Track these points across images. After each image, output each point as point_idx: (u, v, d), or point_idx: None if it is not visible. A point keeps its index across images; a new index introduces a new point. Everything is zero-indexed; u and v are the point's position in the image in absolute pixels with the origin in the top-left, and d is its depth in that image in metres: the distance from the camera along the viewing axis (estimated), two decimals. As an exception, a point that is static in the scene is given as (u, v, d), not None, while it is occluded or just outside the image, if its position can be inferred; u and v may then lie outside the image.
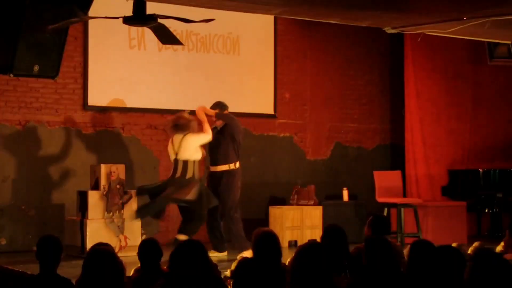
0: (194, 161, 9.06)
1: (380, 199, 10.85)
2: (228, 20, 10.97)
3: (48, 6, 7.22)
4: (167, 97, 10.87)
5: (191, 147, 9.07)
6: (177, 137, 9.11)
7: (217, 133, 9.37)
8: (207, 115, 9.31)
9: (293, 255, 4.49)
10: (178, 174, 9.03)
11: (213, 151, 9.40)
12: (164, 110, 10.87)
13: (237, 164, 9.40)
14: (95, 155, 10.34)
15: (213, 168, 9.42)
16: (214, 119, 9.38)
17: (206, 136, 9.15)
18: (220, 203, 9.28)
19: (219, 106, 9.45)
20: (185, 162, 9.04)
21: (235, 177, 9.39)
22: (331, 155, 12.37)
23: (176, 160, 9.08)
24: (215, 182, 9.35)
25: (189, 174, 9.02)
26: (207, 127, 9.17)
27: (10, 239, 9.86)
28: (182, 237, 8.72)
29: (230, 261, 7.86)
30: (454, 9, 8.54)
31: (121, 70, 10.51)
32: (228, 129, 9.37)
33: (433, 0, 8.27)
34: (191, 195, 8.94)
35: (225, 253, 9.33)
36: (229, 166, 9.36)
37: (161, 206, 9.15)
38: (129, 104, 10.64)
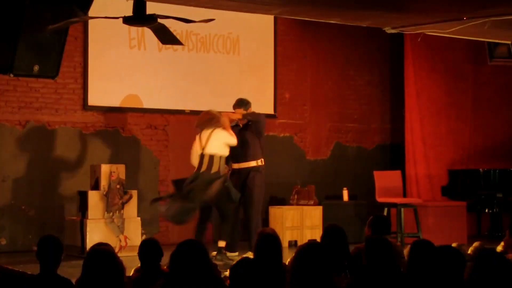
0: (220, 157, 8.91)
1: (380, 199, 10.85)
2: (228, 20, 10.97)
3: (48, 6, 7.22)
4: (167, 97, 10.87)
5: (220, 142, 8.94)
6: (205, 132, 8.97)
7: (240, 130, 9.30)
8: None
9: (293, 255, 4.49)
10: (204, 168, 8.88)
11: (239, 148, 9.20)
12: (164, 110, 10.88)
13: (263, 161, 9.36)
14: (95, 155, 10.34)
15: (239, 165, 9.29)
16: (242, 121, 9.31)
17: (233, 139, 9.02)
18: (248, 199, 9.20)
19: (244, 103, 9.34)
20: (211, 157, 8.88)
21: (261, 173, 9.32)
22: (331, 155, 12.37)
23: (202, 155, 8.90)
24: (242, 178, 9.24)
25: (214, 169, 8.87)
26: (231, 132, 9.06)
27: (10, 239, 9.86)
28: (221, 243, 8.84)
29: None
30: (454, 9, 8.54)
31: (121, 70, 10.52)
32: (253, 126, 9.29)
33: (433, 0, 8.27)
34: (211, 193, 8.84)
35: (237, 253, 9.24)
36: (257, 163, 9.29)
37: (192, 212, 9.03)
38: (129, 104, 10.64)
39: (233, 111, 9.33)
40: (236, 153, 9.22)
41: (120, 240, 9.35)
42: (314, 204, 11.02)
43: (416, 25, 9.46)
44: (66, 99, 10.27)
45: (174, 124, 10.93)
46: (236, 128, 9.32)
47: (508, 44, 11.44)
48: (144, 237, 9.37)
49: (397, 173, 11.40)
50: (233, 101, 11.11)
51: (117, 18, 7.19)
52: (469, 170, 12.10)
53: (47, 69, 7.51)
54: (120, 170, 9.53)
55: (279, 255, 5.04)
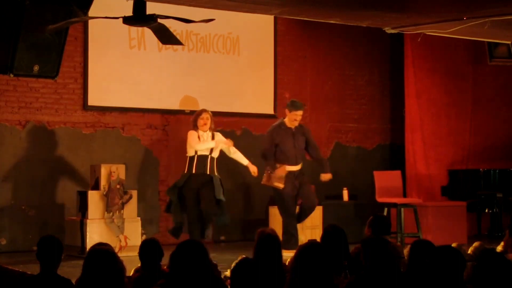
0: (189, 157, 9.34)
1: (380, 199, 10.84)
2: (228, 20, 10.97)
3: (48, 6, 7.23)
4: (167, 97, 10.86)
5: (187, 143, 9.40)
6: None
7: (295, 132, 9.57)
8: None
9: (293, 255, 4.49)
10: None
11: (295, 150, 9.55)
12: (164, 110, 10.87)
13: None
14: (95, 155, 10.33)
15: (295, 167, 9.58)
16: (294, 123, 9.62)
17: (195, 143, 9.32)
18: (305, 198, 9.63)
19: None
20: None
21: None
22: (331, 155, 12.36)
23: None
24: (298, 179, 9.56)
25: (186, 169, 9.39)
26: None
27: (10, 239, 9.85)
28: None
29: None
30: (454, 9, 8.54)
31: (121, 70, 10.51)
32: (306, 133, 9.71)
33: (433, 0, 8.26)
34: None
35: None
36: (302, 164, 9.68)
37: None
38: (129, 104, 10.63)
39: (298, 113, 9.57)
40: (291, 156, 9.53)
41: (120, 240, 9.35)
42: (314, 204, 11.00)
43: (416, 25, 9.46)
44: (66, 99, 10.26)
45: (174, 124, 10.93)
46: (288, 131, 9.54)
47: (508, 44, 11.44)
48: (144, 237, 9.38)
49: (397, 173, 11.39)
50: (234, 101, 11.14)
51: (117, 18, 7.19)
52: (469, 170, 12.10)
53: (47, 69, 7.52)
54: (120, 170, 9.53)
55: (279, 255, 5.04)
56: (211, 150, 9.33)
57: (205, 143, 9.29)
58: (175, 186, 9.39)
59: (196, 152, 9.28)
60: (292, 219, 9.54)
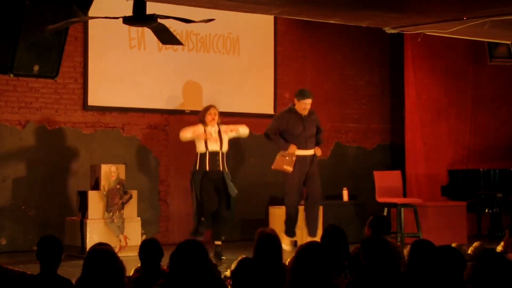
0: (199, 153, 9.22)
1: (380, 199, 10.84)
2: (228, 20, 10.97)
3: (48, 6, 7.23)
4: (167, 97, 10.87)
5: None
6: None
7: (305, 118, 9.45)
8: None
9: (293, 255, 4.49)
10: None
11: (306, 135, 9.43)
12: (164, 110, 10.87)
13: None
14: (95, 155, 10.34)
15: (306, 152, 9.44)
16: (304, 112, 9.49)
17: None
18: (315, 187, 9.49)
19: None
20: None
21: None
22: (331, 155, 12.37)
23: None
24: (307, 165, 9.42)
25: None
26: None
27: (10, 239, 9.86)
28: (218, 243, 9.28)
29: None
30: (454, 9, 8.54)
31: (121, 70, 10.51)
32: (315, 118, 9.58)
33: (433, 0, 8.27)
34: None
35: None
36: (314, 151, 9.49)
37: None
38: (129, 104, 10.63)
39: (306, 102, 9.46)
40: (300, 139, 9.38)
41: (120, 240, 9.34)
42: (314, 204, 10.99)
43: (416, 25, 9.46)
44: (66, 99, 10.27)
45: (174, 124, 10.92)
46: (298, 116, 9.42)
47: (508, 44, 11.44)
48: (144, 237, 9.38)
49: (397, 173, 11.39)
50: (234, 101, 11.12)
51: (117, 18, 7.19)
52: (469, 170, 12.10)
53: (47, 69, 7.52)
54: (120, 170, 9.53)
55: (279, 255, 5.04)
56: (221, 146, 9.27)
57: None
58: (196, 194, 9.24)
59: (207, 148, 9.16)
60: (293, 209, 9.47)
